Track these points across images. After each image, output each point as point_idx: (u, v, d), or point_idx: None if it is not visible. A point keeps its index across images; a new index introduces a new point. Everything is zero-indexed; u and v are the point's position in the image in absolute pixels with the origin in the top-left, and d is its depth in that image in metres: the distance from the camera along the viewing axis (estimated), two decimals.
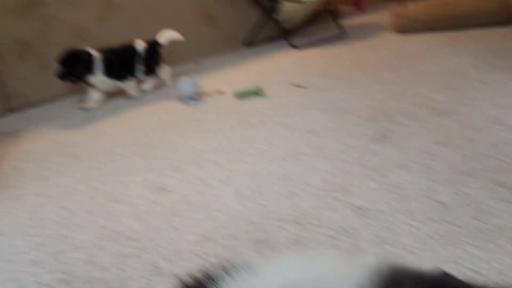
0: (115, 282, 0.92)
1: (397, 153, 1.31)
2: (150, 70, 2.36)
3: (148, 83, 2.43)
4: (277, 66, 2.60)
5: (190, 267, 0.93)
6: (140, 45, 2.33)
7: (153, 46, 2.36)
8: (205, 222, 1.09)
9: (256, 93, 2.07)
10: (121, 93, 2.33)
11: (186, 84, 2.09)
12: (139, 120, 1.97)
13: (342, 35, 3.21)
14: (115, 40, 2.71)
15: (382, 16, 3.82)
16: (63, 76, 2.14)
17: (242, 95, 2.09)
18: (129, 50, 2.31)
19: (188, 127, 1.78)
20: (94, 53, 2.18)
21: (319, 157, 1.35)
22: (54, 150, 1.74)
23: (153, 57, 2.37)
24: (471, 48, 2.33)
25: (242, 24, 3.35)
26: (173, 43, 2.47)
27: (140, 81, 2.39)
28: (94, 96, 2.28)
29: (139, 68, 2.32)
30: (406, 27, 2.95)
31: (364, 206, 1.07)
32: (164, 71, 2.45)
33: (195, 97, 2.15)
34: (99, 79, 2.19)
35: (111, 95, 2.35)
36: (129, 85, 2.33)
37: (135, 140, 1.72)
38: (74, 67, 2.12)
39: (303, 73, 2.35)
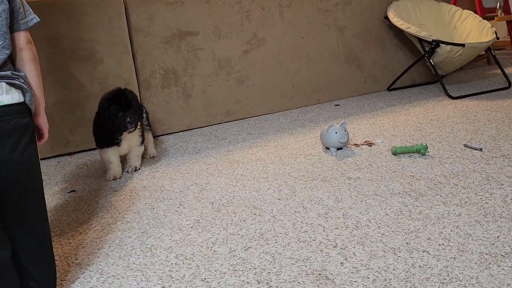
0: None
1: None
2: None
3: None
4: (435, 118, 2.21)
5: None
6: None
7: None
8: None
9: (419, 151, 1.72)
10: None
11: (334, 131, 1.82)
12: (278, 165, 1.74)
13: (510, 86, 2.70)
14: (254, 72, 2.58)
15: None
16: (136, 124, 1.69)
17: (400, 152, 1.75)
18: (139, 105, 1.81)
19: (339, 187, 1.49)
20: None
21: None
22: (190, 192, 1.58)
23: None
24: None
25: (386, 67, 3.04)
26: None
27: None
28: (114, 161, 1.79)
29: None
30: None
31: None
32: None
33: (342, 146, 1.86)
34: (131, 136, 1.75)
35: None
36: (140, 153, 1.87)
37: (278, 193, 1.48)
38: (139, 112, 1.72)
39: (474, 131, 1.93)
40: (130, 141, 1.77)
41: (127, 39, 2.28)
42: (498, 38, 3.02)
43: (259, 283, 1.00)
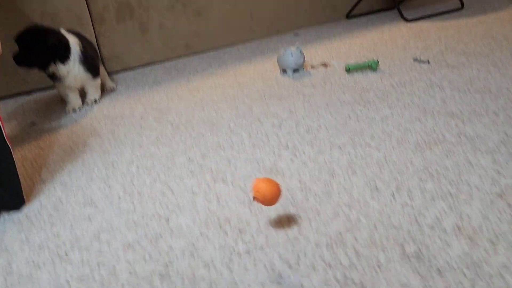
0: (223, 283, 0.73)
1: None
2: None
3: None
4: (390, 39, 2.27)
5: (316, 278, 0.72)
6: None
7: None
8: (332, 219, 0.87)
9: (370, 66, 1.79)
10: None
11: (290, 54, 1.86)
12: (237, 89, 1.78)
13: (462, 8, 2.77)
14: (211, 3, 2.54)
15: None
16: (21, 61, 1.63)
17: (353, 68, 1.81)
18: (91, 42, 1.86)
19: (294, 102, 1.55)
20: (70, 36, 1.71)
21: (473, 148, 1.06)
22: (150, 116, 1.61)
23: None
24: None
25: None
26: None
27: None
28: (71, 96, 1.79)
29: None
30: None
31: None
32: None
33: (298, 68, 1.91)
34: (74, 71, 1.70)
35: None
36: (96, 85, 1.87)
37: (236, 112, 1.53)
38: (41, 50, 1.61)
39: (424, 48, 2.00)
40: (76, 76, 1.73)
41: None
42: None
43: (215, 181, 1.07)
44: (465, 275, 0.68)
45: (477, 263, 0.70)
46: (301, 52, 1.87)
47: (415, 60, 1.82)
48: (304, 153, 1.15)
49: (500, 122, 1.16)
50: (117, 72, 2.40)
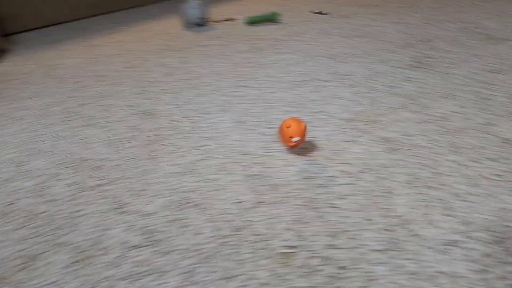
0: (62, 217, 0.72)
1: (440, 81, 1.05)
2: None
3: None
4: None
5: (161, 203, 0.73)
6: None
7: None
8: (190, 150, 0.88)
9: (271, 19, 1.80)
10: None
11: (192, 7, 1.82)
12: (137, 44, 1.73)
13: None
14: None
15: None
16: None
17: (255, 21, 1.81)
18: None
19: (190, 53, 1.54)
20: None
21: (341, 84, 1.10)
22: (39, 73, 1.53)
23: None
24: None
25: None
26: None
27: None
28: None
29: None
30: None
31: (395, 139, 0.83)
32: None
33: (202, 23, 1.88)
34: None
35: None
36: None
37: (128, 64, 1.49)
38: None
39: (324, 0, 2.04)
40: None
41: None
42: None
43: (86, 126, 1.04)
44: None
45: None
46: (203, 5, 1.84)
47: (314, 12, 1.86)
48: (183, 96, 1.15)
49: (370, 60, 1.22)
50: (14, 33, 2.24)
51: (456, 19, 1.50)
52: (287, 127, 0.77)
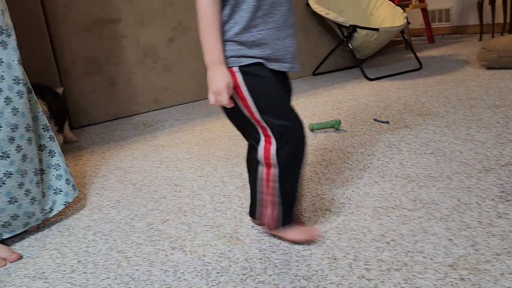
0: None
1: None
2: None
3: None
4: (353, 98, 2.37)
5: None
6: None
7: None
8: None
9: (333, 126, 1.84)
10: None
11: None
12: (202, 147, 1.79)
13: (420, 68, 2.93)
14: (180, 59, 2.60)
15: (456, 48, 3.52)
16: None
17: (317, 128, 1.86)
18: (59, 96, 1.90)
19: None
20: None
21: (427, 215, 1.08)
22: (113, 175, 1.58)
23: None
24: None
25: (311, 52, 3.18)
26: None
27: None
28: None
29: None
30: (494, 61, 2.61)
31: None
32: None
33: None
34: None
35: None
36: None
37: (201, 171, 1.53)
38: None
39: (383, 107, 2.09)
40: None
41: (44, 27, 2.21)
42: (409, 23, 3.25)
43: (173, 249, 1.05)
44: None
45: None
46: None
47: (375, 120, 1.90)
48: None
49: (453, 187, 1.21)
50: (83, 126, 2.38)
51: None
52: None
